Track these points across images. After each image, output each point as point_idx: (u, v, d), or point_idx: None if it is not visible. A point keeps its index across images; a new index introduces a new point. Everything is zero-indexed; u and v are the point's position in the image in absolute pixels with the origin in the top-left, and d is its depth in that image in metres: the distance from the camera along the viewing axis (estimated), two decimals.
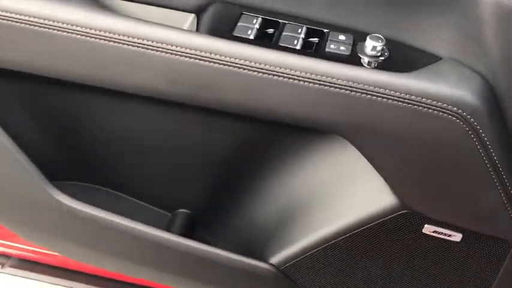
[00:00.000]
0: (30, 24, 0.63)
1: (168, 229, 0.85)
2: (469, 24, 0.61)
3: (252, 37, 0.64)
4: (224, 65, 0.61)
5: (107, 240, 0.83)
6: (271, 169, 0.79)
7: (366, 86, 0.60)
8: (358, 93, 0.60)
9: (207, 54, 0.61)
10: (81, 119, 0.80)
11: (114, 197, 0.90)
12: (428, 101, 0.59)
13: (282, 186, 0.79)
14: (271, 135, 0.75)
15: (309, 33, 0.66)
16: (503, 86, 0.61)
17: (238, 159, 0.80)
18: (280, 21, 0.66)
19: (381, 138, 0.64)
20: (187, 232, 0.86)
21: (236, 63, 0.61)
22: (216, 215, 0.87)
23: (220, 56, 0.61)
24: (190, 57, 0.61)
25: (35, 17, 0.63)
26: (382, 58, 0.63)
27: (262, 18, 0.66)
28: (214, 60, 0.61)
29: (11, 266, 1.15)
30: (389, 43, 0.65)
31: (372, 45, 0.62)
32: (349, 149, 0.66)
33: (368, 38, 0.63)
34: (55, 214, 0.80)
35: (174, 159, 0.83)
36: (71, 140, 0.84)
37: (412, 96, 0.59)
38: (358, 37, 0.65)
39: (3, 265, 1.15)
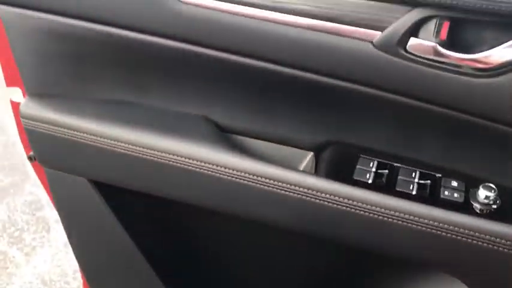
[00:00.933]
0: (174, 162, 0.71)
1: None
2: None
3: (370, 181, 0.70)
4: (346, 207, 0.67)
5: None
6: None
7: (482, 235, 0.64)
8: (473, 241, 0.64)
9: (331, 197, 0.67)
10: (201, 237, 0.88)
11: None
12: None
13: None
14: (375, 265, 0.79)
15: (422, 176, 0.71)
16: None
17: (339, 281, 0.84)
18: (394, 164, 0.72)
19: (491, 281, 0.67)
20: None
21: (356, 206, 0.66)
22: None
23: (343, 199, 0.67)
24: (316, 199, 0.67)
25: (178, 156, 0.71)
26: (495, 206, 0.67)
27: (378, 161, 0.72)
28: (336, 202, 0.67)
29: None
30: (500, 189, 0.68)
31: (485, 195, 0.66)
32: (455, 285, 0.69)
33: (481, 188, 0.67)
34: None
35: (276, 274, 0.88)
36: (191, 255, 0.91)
37: None
38: (470, 183, 0.69)
39: None
